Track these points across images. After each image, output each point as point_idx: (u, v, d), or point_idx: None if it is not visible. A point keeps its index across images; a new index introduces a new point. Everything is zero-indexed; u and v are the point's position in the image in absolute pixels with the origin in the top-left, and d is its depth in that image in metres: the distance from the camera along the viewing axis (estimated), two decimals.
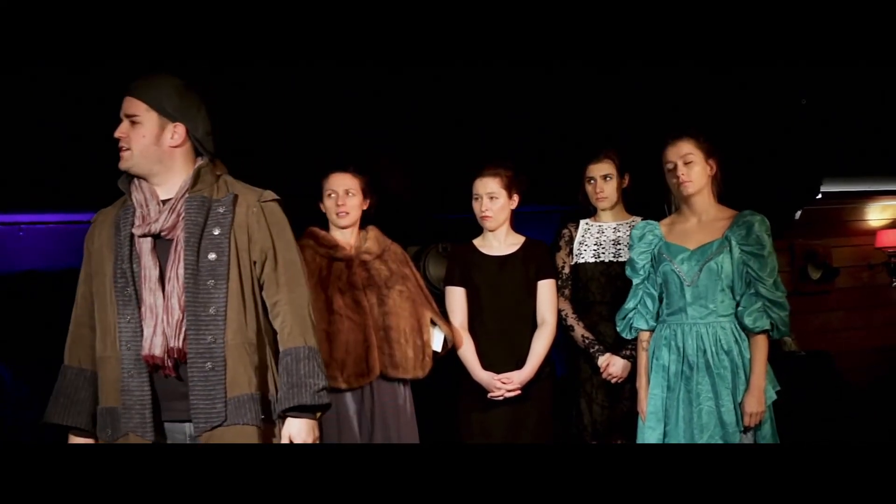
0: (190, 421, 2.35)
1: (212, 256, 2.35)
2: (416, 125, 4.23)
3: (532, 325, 3.45)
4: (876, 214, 6.61)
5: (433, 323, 3.38)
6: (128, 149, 2.39)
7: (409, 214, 4.43)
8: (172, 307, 2.32)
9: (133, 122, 2.39)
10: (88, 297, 2.46)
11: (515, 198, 3.47)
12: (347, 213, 3.32)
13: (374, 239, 3.40)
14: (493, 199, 3.42)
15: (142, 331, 2.33)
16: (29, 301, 4.28)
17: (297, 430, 2.40)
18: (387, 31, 3.61)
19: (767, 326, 3.01)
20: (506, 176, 3.43)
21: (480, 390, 3.40)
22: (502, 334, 3.43)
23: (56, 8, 3.18)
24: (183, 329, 2.32)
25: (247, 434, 2.34)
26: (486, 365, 3.40)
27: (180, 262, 2.34)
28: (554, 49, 3.83)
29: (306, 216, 3.34)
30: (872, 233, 6.53)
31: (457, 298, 3.48)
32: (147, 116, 2.39)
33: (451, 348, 3.41)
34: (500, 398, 3.36)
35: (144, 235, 2.37)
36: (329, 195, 3.33)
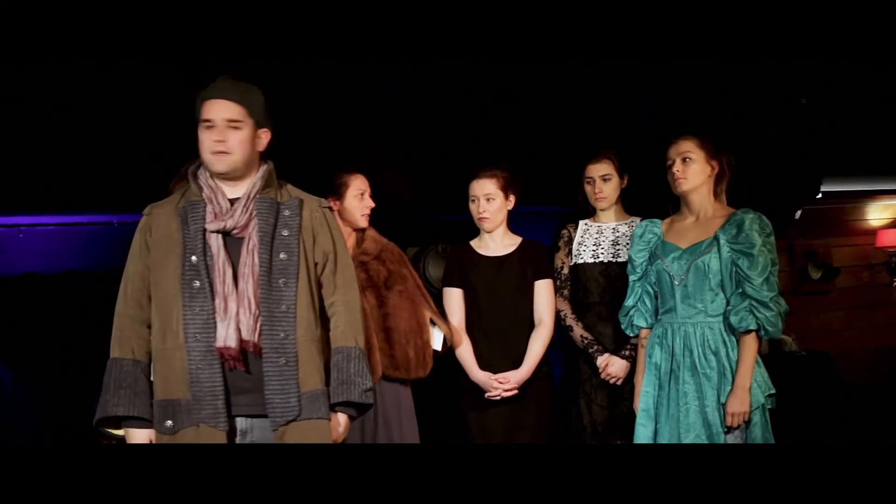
0: (246, 416, 2.45)
1: (282, 256, 2.49)
2: (415, 126, 4.22)
3: (529, 326, 3.45)
4: (876, 214, 6.61)
5: (432, 322, 3.38)
6: (229, 153, 2.48)
7: (408, 215, 4.43)
8: (250, 302, 2.42)
9: (234, 127, 2.48)
10: (143, 290, 2.49)
11: (512, 199, 3.47)
12: (369, 214, 3.37)
13: (371, 239, 3.41)
14: (490, 201, 3.43)
15: (214, 323, 2.40)
16: (28, 303, 4.29)
17: (335, 424, 2.52)
18: (386, 31, 3.60)
19: (753, 326, 2.97)
20: (502, 177, 3.43)
21: (479, 390, 3.40)
22: (500, 335, 3.43)
23: (55, 9, 3.18)
24: (259, 324, 2.42)
25: (320, 428, 2.45)
26: (484, 365, 3.40)
27: (254, 259, 2.45)
28: (553, 49, 3.83)
29: None
30: (873, 232, 6.53)
31: (454, 299, 3.48)
32: (247, 122, 2.51)
33: (449, 347, 3.41)
34: (498, 398, 3.37)
35: (217, 231, 2.46)
36: (361, 196, 3.34)
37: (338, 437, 2.52)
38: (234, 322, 2.40)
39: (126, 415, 2.41)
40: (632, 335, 3.30)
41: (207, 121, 2.47)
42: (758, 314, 2.95)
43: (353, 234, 3.39)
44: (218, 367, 2.40)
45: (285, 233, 2.51)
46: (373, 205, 3.36)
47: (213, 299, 2.41)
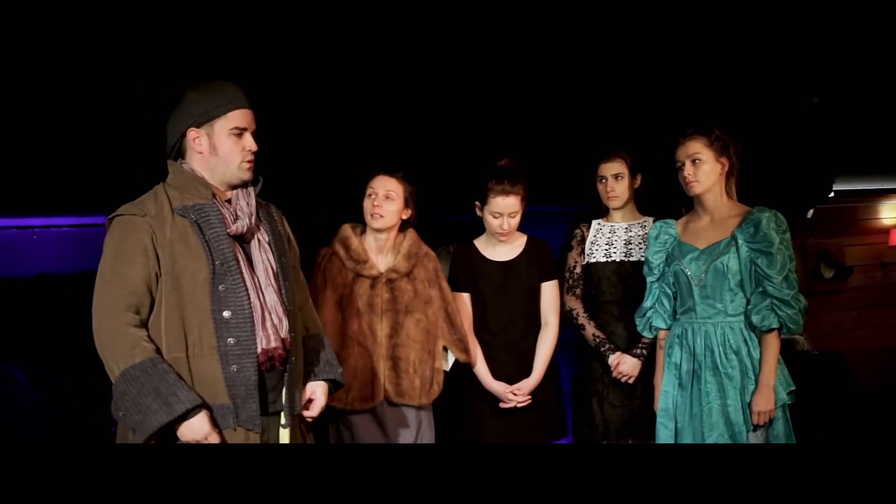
0: (262, 415, 2.46)
1: (283, 259, 2.55)
2: (424, 126, 4.23)
3: (537, 327, 3.47)
4: (889, 213, 6.58)
5: (445, 349, 3.35)
6: (253, 161, 2.54)
7: (418, 216, 4.43)
8: (277, 302, 2.47)
9: (253, 134, 2.54)
10: (145, 295, 2.34)
11: (524, 205, 3.46)
12: (382, 217, 3.22)
13: (405, 255, 3.29)
14: (513, 216, 3.40)
15: (251, 325, 2.38)
16: (42, 304, 4.31)
17: (322, 392, 2.70)
18: (394, 31, 3.61)
19: (775, 325, 2.98)
20: (523, 189, 3.38)
21: (491, 396, 3.42)
22: (509, 338, 3.44)
23: (67, 12, 3.20)
24: (286, 323, 2.48)
25: (305, 426, 2.62)
26: (495, 368, 3.42)
27: (269, 262, 2.50)
28: (566, 48, 3.83)
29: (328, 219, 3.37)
30: (886, 231, 6.51)
31: (462, 304, 3.47)
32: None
33: (458, 363, 3.40)
34: (512, 407, 3.40)
35: (237, 234, 2.47)
36: (369, 195, 3.25)
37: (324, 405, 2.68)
38: (270, 322, 2.42)
39: (192, 406, 2.27)
40: (649, 336, 3.30)
41: (241, 128, 2.49)
42: (780, 312, 2.96)
43: (392, 242, 3.30)
44: (255, 369, 2.38)
45: (277, 237, 2.58)
46: (381, 206, 3.21)
47: (248, 302, 2.39)
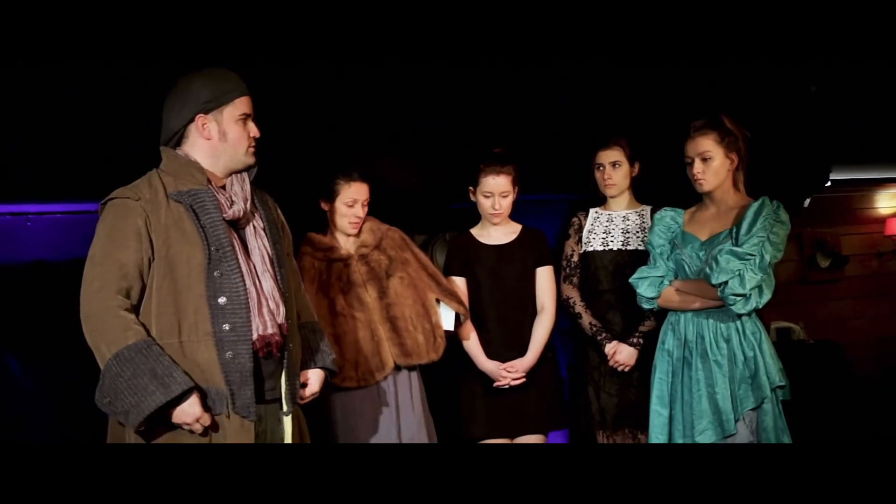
0: (259, 403, 2.44)
1: (278, 246, 2.55)
2: (423, 114, 4.21)
3: (532, 313, 3.48)
4: (886, 202, 6.59)
5: (439, 302, 3.37)
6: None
7: (415, 204, 4.43)
8: (273, 288, 2.46)
9: (254, 120, 2.54)
10: (136, 279, 2.33)
11: (517, 189, 3.47)
12: (359, 223, 3.33)
13: (368, 230, 3.38)
14: (505, 197, 3.43)
15: (246, 311, 2.36)
16: (36, 292, 4.29)
17: (316, 379, 2.68)
18: (390, 20, 3.59)
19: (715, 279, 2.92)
20: (515, 171, 3.43)
21: (485, 377, 3.43)
22: (504, 322, 3.46)
23: (63, 6, 3.18)
24: (283, 309, 2.46)
25: (300, 413, 2.58)
26: (489, 353, 3.43)
27: (265, 248, 2.50)
28: (564, 38, 3.81)
29: (305, 217, 3.35)
30: (882, 220, 6.52)
31: (458, 287, 3.48)
32: None
33: (462, 323, 3.40)
34: (506, 386, 3.39)
35: (232, 220, 2.46)
36: (351, 205, 3.29)
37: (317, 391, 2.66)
38: (267, 308, 2.41)
39: (188, 388, 2.25)
40: (647, 304, 3.21)
41: (247, 114, 2.50)
42: (730, 263, 2.89)
43: (349, 237, 3.37)
44: (250, 356, 2.36)
45: (271, 223, 2.58)
46: (362, 215, 3.30)
47: (244, 288, 2.37)
